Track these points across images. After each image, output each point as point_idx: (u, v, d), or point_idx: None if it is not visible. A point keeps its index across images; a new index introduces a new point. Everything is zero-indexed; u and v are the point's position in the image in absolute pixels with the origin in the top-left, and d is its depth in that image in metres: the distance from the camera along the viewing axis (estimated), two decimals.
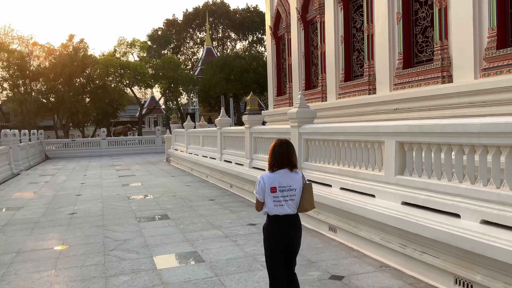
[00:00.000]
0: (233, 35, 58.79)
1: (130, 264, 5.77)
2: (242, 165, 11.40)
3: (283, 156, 3.66)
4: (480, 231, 4.07)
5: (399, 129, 5.43)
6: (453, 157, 4.68)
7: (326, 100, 13.35)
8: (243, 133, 11.47)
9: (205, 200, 10.57)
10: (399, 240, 5.17)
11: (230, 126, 14.30)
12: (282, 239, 3.63)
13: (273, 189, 3.60)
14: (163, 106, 52.26)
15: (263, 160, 10.15)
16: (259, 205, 3.72)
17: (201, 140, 16.74)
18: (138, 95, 45.31)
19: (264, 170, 9.80)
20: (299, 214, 3.74)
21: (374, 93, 11.00)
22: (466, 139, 4.43)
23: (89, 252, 6.38)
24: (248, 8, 57.43)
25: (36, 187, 14.47)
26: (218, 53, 51.69)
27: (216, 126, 14.09)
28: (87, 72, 37.46)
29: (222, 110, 14.53)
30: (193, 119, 29.22)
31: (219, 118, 13.89)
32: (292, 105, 14.42)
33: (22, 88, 36.65)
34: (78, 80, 37.14)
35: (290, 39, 15.94)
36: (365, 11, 11.31)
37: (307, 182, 3.74)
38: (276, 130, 9.77)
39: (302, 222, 3.80)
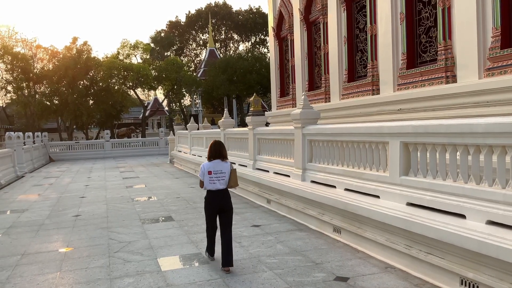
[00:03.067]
0: (235, 36, 58.87)
1: (135, 266, 5.78)
2: (246, 166, 11.39)
3: (216, 151, 5.64)
4: (485, 231, 4.05)
5: (403, 129, 5.41)
6: (458, 157, 4.66)
7: (329, 101, 13.34)
8: (247, 135, 11.45)
9: None
10: (404, 241, 5.15)
11: (234, 127, 14.30)
12: (217, 205, 5.59)
13: (210, 172, 5.52)
14: (166, 108, 52.32)
15: (267, 162, 10.17)
16: (201, 184, 5.64)
17: (204, 141, 16.74)
18: (142, 97, 45.44)
19: (268, 171, 9.97)
20: (229, 189, 5.66)
21: (378, 93, 10.98)
22: (472, 139, 4.42)
23: (94, 254, 6.40)
24: (251, 9, 57.51)
25: (40, 189, 14.51)
26: (221, 54, 51.69)
27: (219, 128, 14.09)
28: (91, 74, 37.60)
29: (226, 111, 14.52)
30: (196, 121, 29.27)
31: (222, 119, 13.89)
32: (296, 106, 14.41)
33: (26, 91, 36.78)
34: (82, 82, 37.29)
35: (293, 40, 15.93)
36: (368, 12, 11.29)
37: (233, 168, 5.66)
38: (279, 131, 9.75)
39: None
